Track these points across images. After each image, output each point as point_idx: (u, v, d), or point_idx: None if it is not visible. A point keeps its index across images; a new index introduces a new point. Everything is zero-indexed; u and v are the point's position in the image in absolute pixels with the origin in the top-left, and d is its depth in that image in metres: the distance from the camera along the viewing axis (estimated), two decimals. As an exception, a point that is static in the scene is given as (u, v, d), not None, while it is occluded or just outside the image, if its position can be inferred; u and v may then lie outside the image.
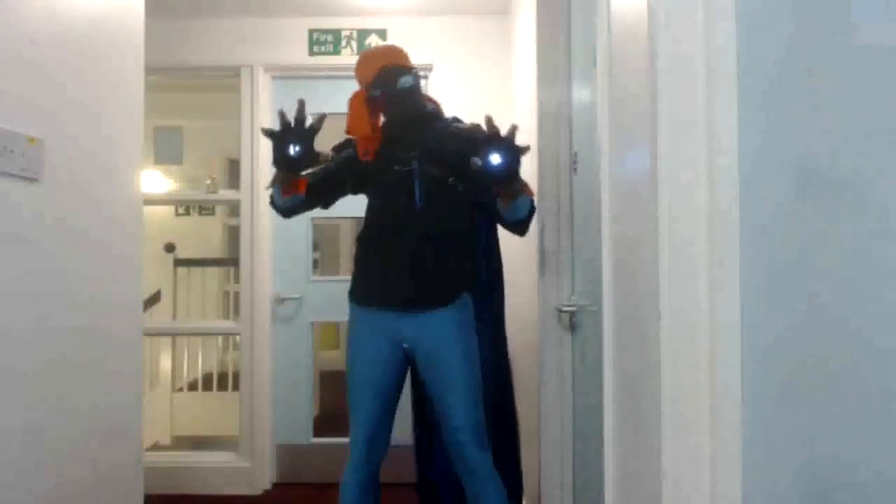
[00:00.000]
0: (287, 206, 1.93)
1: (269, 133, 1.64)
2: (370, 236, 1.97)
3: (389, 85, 1.91)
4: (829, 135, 0.64)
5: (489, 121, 1.54)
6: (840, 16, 0.63)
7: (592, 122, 1.71)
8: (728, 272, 0.79)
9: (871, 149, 0.58)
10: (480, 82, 3.22)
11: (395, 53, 1.97)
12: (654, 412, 0.86)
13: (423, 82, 2.13)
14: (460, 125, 2.07)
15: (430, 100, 2.10)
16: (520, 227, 1.90)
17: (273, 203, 1.96)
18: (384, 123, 2.01)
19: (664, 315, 0.84)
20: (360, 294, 1.96)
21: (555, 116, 2.18)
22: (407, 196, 1.89)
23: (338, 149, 2.04)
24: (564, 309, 2.01)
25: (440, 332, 1.89)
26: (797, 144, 0.70)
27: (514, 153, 1.53)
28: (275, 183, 1.81)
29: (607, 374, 1.14)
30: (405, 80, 1.92)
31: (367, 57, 1.98)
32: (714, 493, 0.80)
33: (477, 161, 1.51)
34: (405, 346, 1.93)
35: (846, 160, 0.62)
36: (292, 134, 1.62)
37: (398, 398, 1.99)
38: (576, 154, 2.06)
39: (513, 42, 3.09)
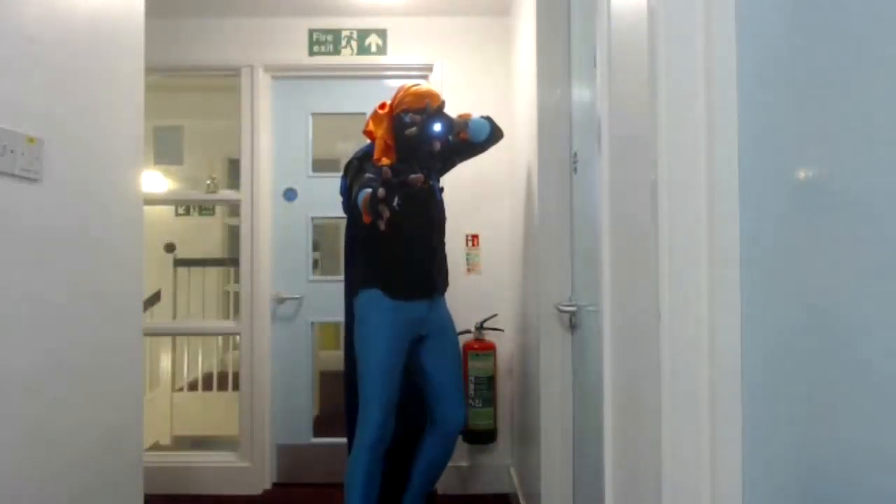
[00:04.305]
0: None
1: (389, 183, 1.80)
2: (399, 238, 2.23)
3: (434, 120, 2.14)
4: (830, 136, 0.64)
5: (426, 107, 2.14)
6: (840, 18, 0.63)
7: (592, 122, 1.71)
8: (728, 272, 0.79)
9: (869, 151, 0.58)
10: (480, 82, 3.22)
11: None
12: (654, 412, 0.86)
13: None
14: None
15: None
16: (490, 142, 2.38)
17: (353, 202, 2.13)
18: (401, 141, 2.24)
19: (664, 315, 0.84)
20: (392, 285, 2.24)
21: (555, 116, 2.19)
22: (429, 208, 2.31)
23: (360, 160, 2.27)
24: (564, 309, 2.02)
25: (445, 313, 2.41)
26: (797, 145, 0.70)
27: (442, 115, 2.14)
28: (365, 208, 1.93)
29: (607, 373, 1.14)
30: (443, 129, 2.18)
31: (433, 92, 2.29)
32: (714, 493, 0.80)
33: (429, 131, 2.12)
34: (421, 332, 2.30)
35: (846, 161, 0.62)
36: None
37: None
38: (576, 154, 2.06)
39: (513, 42, 3.09)
